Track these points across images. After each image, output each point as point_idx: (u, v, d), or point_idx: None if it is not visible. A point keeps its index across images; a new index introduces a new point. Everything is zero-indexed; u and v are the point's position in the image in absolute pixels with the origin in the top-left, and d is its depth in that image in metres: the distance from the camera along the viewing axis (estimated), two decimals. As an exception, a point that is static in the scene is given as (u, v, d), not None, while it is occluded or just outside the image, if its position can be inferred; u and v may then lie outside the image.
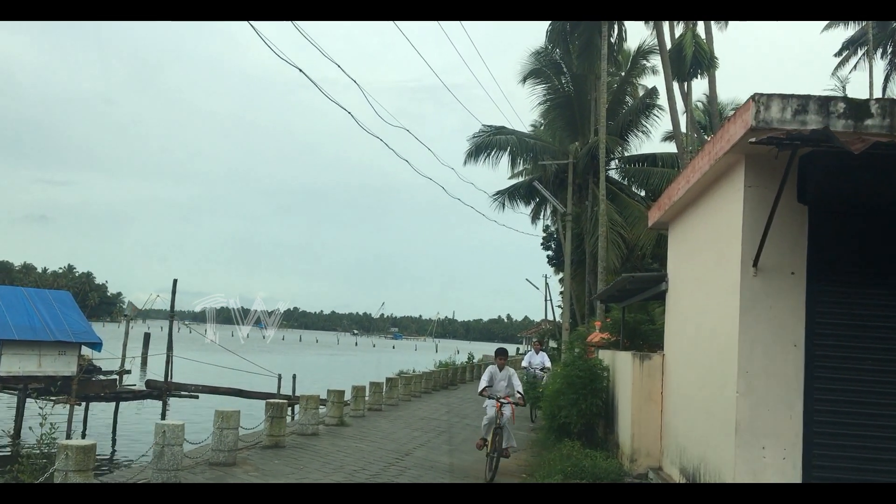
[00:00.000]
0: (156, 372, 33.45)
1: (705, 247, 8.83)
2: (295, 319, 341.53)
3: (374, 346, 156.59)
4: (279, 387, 21.84)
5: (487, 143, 28.84)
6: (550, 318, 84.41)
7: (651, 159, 29.60)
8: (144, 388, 22.18)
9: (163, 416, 21.36)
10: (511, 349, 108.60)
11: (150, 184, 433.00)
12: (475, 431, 16.87)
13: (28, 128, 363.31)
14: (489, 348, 62.06)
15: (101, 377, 21.36)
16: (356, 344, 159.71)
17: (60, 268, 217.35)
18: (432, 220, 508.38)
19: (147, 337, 55.18)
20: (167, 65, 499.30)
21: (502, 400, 12.23)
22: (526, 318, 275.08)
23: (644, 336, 17.93)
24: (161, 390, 21.68)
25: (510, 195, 33.31)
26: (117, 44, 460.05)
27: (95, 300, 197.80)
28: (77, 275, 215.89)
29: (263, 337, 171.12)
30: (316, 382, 39.32)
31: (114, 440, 21.24)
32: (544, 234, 75.37)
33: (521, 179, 33.82)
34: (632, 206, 27.73)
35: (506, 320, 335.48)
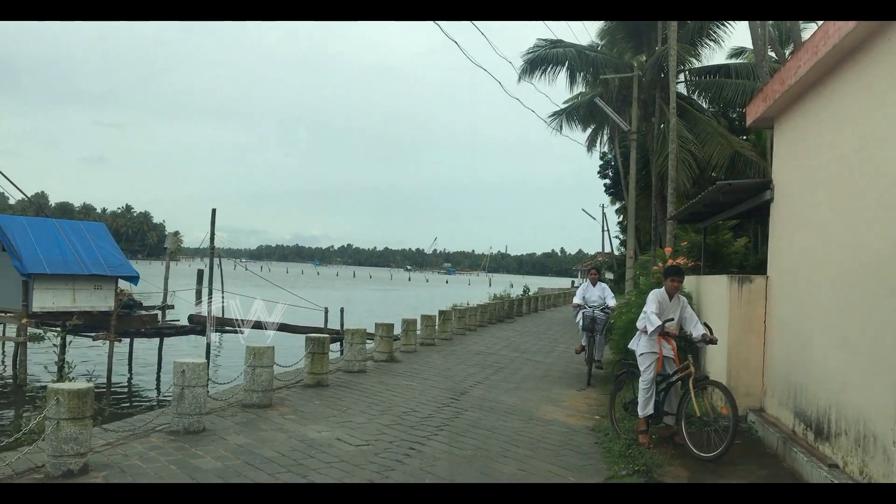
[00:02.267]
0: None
1: (843, 138, 6.92)
2: (349, 256, 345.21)
3: (427, 280, 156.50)
4: (326, 321, 20.65)
5: (543, 56, 26.54)
6: (607, 249, 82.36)
7: (724, 70, 26.98)
8: (187, 324, 21.26)
9: (207, 353, 20.45)
10: (565, 283, 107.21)
11: (204, 124, 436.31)
12: (537, 367, 15.40)
13: (82, 70, 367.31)
14: (543, 282, 60.50)
15: (143, 312, 20.48)
16: (409, 279, 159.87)
17: (119, 208, 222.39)
18: (486, 154, 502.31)
19: (200, 273, 55.12)
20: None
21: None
22: (580, 250, 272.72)
23: (726, 260, 16.05)
24: (204, 325, 20.72)
25: (568, 116, 31.04)
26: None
27: (154, 239, 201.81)
28: (135, 215, 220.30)
29: (317, 273, 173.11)
30: (367, 317, 38.45)
31: (158, 378, 20.44)
32: (601, 162, 72.82)
33: (580, 99, 31.46)
34: (702, 122, 25.33)
35: (559, 254, 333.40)
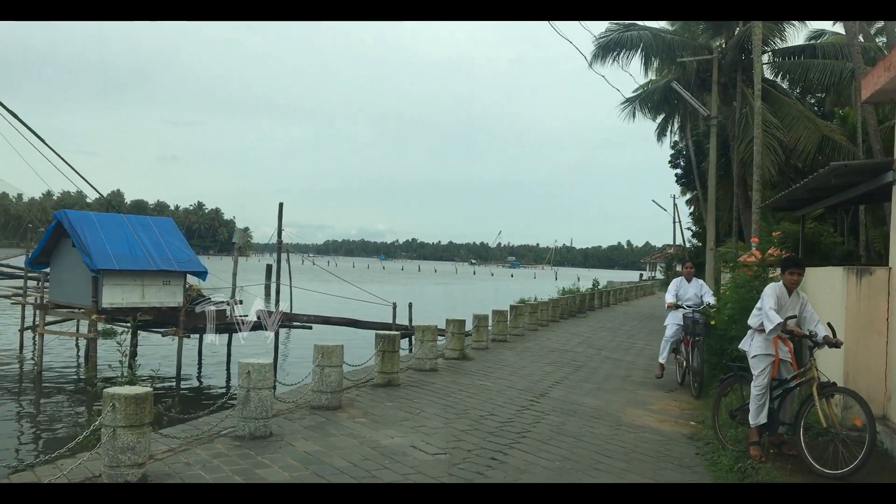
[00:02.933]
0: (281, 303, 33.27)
1: None
2: (413, 250, 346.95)
3: (492, 274, 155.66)
4: (394, 316, 20.14)
5: (616, 40, 25.41)
6: (678, 241, 79.95)
7: (809, 50, 25.39)
8: (255, 319, 21.03)
9: (275, 349, 20.18)
10: (632, 276, 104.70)
11: (272, 122, 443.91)
12: (617, 366, 14.51)
13: (155, 70, 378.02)
14: (610, 275, 58.81)
15: (211, 307, 20.32)
16: (474, 273, 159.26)
17: (191, 205, 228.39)
18: (549, 147, 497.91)
19: (269, 268, 55.67)
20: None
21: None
22: (647, 243, 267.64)
23: (825, 251, 14.88)
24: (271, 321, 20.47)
25: (641, 102, 29.83)
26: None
27: (224, 235, 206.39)
28: (206, 211, 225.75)
29: (383, 268, 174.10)
30: (434, 312, 37.90)
31: (228, 376, 20.27)
32: (672, 151, 70.61)
33: (651, 86, 30.19)
34: (788, 106, 23.87)
35: (625, 246, 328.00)
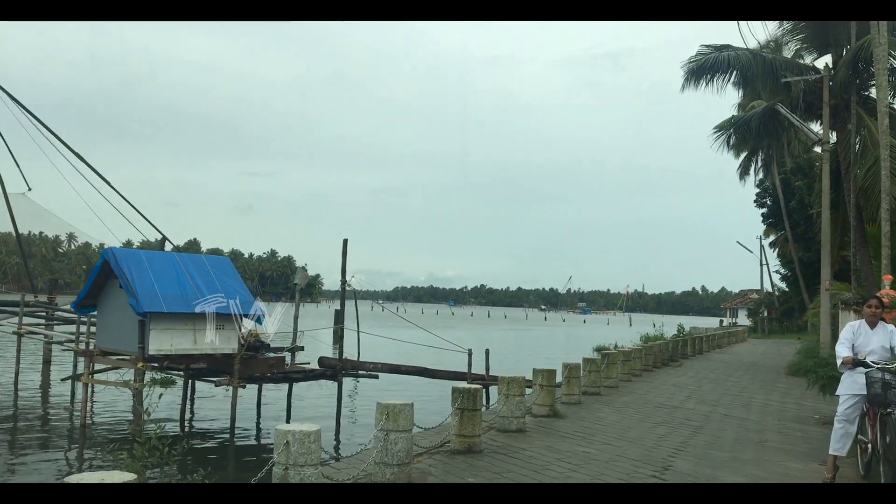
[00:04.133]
0: (346, 350, 31.25)
1: None
2: (482, 296, 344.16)
3: (563, 320, 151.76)
4: (470, 364, 17.99)
5: (711, 62, 23.12)
6: (767, 284, 75.43)
7: (934, 66, 22.62)
8: (317, 367, 19.19)
9: (338, 399, 18.23)
10: (709, 322, 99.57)
11: (344, 172, 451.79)
12: (743, 427, 11.97)
13: (233, 125, 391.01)
14: (686, 321, 55.03)
15: (270, 355, 18.62)
16: (545, 319, 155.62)
17: (264, 253, 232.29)
18: (618, 191, 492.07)
19: (338, 314, 54.37)
20: (351, 58, 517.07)
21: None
22: (723, 288, 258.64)
23: None
24: (336, 369, 18.58)
25: (737, 129, 27.27)
26: (306, 41, 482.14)
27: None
28: (279, 259, 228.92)
29: (452, 313, 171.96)
30: (510, 359, 35.58)
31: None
32: (758, 189, 66.93)
33: (745, 112, 27.61)
34: (914, 127, 21.08)
35: (700, 292, 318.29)
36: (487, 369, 18.93)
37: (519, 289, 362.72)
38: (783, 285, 70.42)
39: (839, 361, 8.09)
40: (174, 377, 19.65)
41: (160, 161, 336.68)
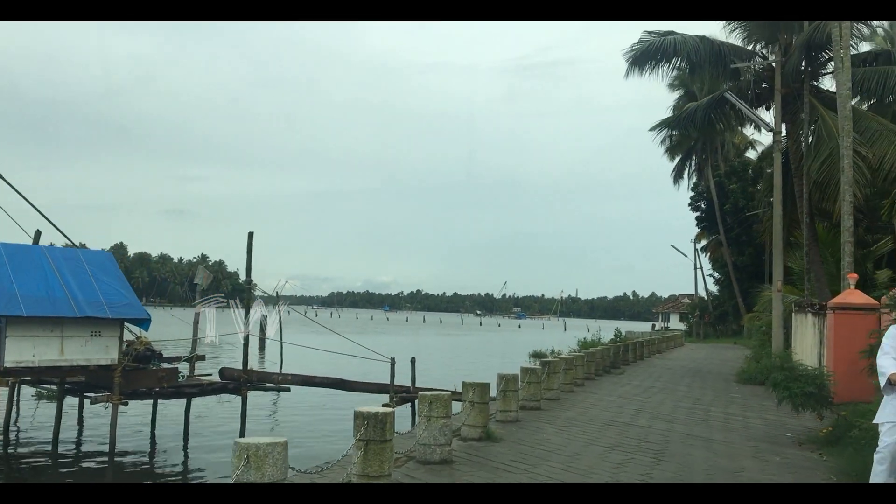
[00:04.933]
0: (272, 360, 28.46)
1: None
2: (418, 302, 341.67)
3: (499, 325, 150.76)
4: (392, 375, 15.72)
5: (656, 47, 21.51)
6: (701, 289, 75.15)
7: (885, 56, 21.53)
8: (218, 380, 16.69)
9: (242, 418, 15.78)
10: (641, 326, 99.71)
11: (281, 176, 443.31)
12: (711, 450, 10.05)
13: (165, 127, 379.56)
14: (619, 326, 53.98)
15: (165, 366, 16.07)
16: (480, 324, 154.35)
17: (194, 257, 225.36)
18: (556, 197, 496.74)
19: (264, 319, 51.41)
20: (287, 58, 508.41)
21: None
22: (653, 293, 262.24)
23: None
24: (239, 382, 16.13)
25: (681, 122, 25.78)
26: (239, 43, 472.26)
27: (228, 287, 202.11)
28: (210, 263, 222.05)
29: (387, 318, 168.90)
30: (441, 368, 33.42)
31: (185, 453, 15.86)
32: (692, 193, 66.53)
33: (693, 106, 26.10)
34: (867, 119, 19.84)
35: (631, 297, 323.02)
36: (413, 381, 16.77)
37: (455, 294, 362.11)
38: (716, 289, 70.26)
39: (883, 380, 6.10)
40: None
41: (91, 164, 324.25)
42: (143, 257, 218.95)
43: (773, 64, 20.94)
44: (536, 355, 44.40)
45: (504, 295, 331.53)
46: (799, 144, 21.06)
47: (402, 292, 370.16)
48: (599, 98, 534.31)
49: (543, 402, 13.84)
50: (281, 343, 22.93)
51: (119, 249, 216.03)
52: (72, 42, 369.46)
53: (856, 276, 15.52)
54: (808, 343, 16.98)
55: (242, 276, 17.63)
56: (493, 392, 12.07)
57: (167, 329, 24.55)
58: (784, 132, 20.86)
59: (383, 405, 15.75)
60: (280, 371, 18.58)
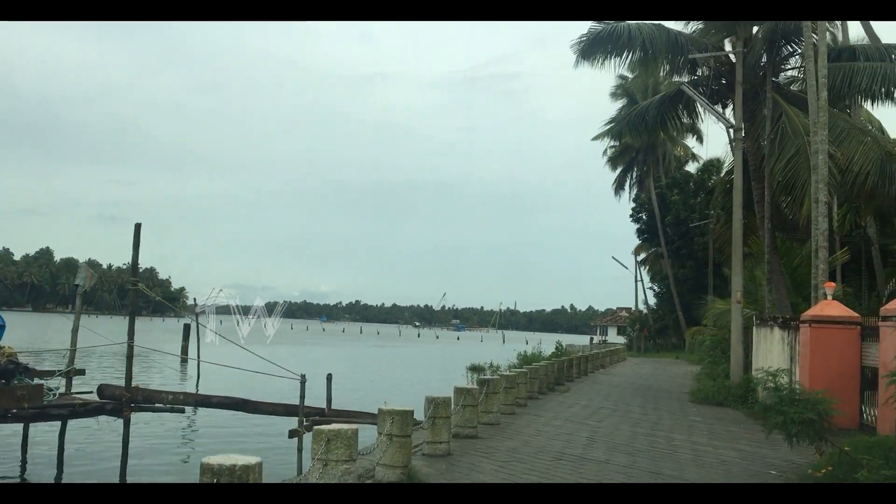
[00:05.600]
0: (207, 375, 25.28)
1: None
2: (357, 312, 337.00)
3: (437, 337, 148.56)
4: (302, 396, 13.17)
5: (608, 33, 19.65)
6: (642, 301, 74.22)
7: (849, 53, 20.21)
8: (96, 399, 14.03)
9: (123, 445, 13.15)
10: (579, 339, 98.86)
11: (218, 182, 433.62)
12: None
13: (102, 132, 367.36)
14: (557, 339, 52.14)
15: (39, 381, 13.36)
16: (419, 335, 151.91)
17: (124, 263, 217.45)
18: (498, 210, 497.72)
19: (187, 329, 48.05)
20: (227, 68, 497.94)
21: None
22: (590, 307, 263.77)
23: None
24: (121, 402, 13.49)
25: (630, 122, 24.02)
26: (181, 46, 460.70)
27: (158, 294, 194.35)
28: (141, 270, 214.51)
29: (323, 329, 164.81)
30: (368, 386, 30.82)
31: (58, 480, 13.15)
32: (634, 204, 65.52)
33: (644, 104, 24.41)
34: (833, 116, 18.36)
35: (569, 310, 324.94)
36: (329, 401, 14.38)
37: (394, 305, 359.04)
38: (655, 302, 69.25)
39: None
40: None
41: (18, 167, 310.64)
42: (69, 263, 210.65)
43: (734, 57, 19.32)
44: (475, 369, 42.30)
45: (443, 307, 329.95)
46: (759, 145, 19.48)
47: (340, 302, 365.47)
48: (544, 113, 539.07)
49: (481, 428, 11.69)
50: (199, 358, 20.48)
51: (44, 254, 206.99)
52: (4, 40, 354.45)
53: (833, 284, 13.86)
54: (773, 360, 15.24)
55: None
56: (421, 415, 9.91)
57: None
58: (742, 133, 19.20)
59: (291, 432, 13.36)
60: (196, 389, 16.04)
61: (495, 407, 12.98)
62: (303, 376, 12.71)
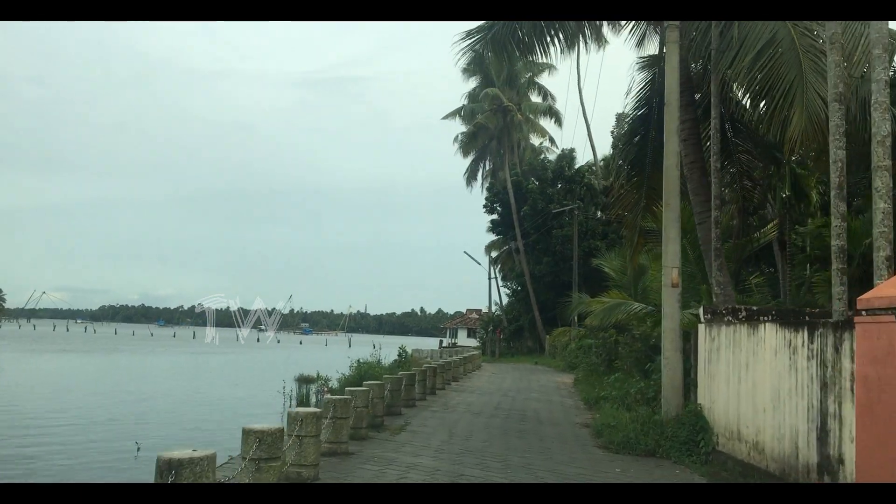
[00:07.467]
0: None
1: None
2: (199, 316, 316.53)
3: (278, 341, 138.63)
4: None
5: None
6: (496, 299, 68.77)
7: None
8: None
9: None
10: (429, 342, 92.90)
11: (48, 182, 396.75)
12: None
13: None
14: (406, 342, 46.46)
15: None
16: (258, 340, 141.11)
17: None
18: (352, 212, 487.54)
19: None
20: (55, 59, 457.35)
21: None
22: (439, 310, 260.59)
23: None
24: None
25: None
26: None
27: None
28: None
29: (151, 335, 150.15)
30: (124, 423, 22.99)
31: None
32: (488, 195, 59.71)
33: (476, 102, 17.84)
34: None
35: (419, 313, 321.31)
36: None
37: (240, 308, 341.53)
38: (506, 302, 63.95)
39: None
40: None
41: None
42: None
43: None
44: (302, 379, 35.28)
45: (292, 310, 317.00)
46: (699, 45, 13.40)
47: (182, 306, 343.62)
48: (395, 118, 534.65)
49: (323, 465, 4.58)
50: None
51: None
52: None
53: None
54: (764, 391, 8.94)
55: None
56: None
57: None
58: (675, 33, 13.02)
59: None
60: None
61: (310, 457, 5.78)
62: None
